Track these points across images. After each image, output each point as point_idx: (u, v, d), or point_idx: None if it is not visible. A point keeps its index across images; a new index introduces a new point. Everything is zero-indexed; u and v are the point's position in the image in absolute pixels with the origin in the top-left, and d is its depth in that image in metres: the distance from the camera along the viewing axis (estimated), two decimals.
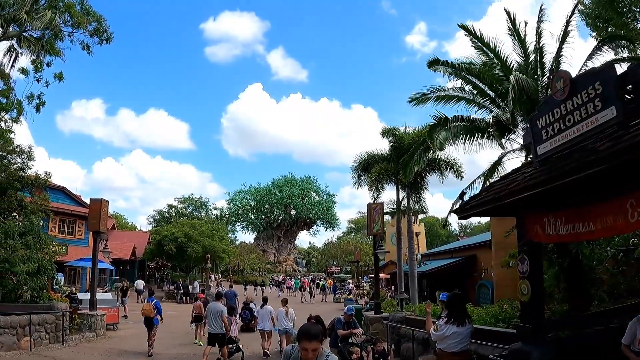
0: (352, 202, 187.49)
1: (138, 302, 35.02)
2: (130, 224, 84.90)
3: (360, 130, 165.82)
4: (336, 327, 11.59)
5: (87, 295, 20.79)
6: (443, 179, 27.19)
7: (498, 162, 16.61)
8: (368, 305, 27.12)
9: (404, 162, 19.87)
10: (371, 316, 19.82)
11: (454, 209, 9.45)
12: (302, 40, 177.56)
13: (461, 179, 26.37)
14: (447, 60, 15.34)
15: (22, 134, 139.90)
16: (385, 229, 28.57)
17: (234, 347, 14.32)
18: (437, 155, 26.05)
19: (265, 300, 16.97)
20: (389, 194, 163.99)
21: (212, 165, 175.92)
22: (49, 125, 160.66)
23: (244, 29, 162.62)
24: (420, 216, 54.56)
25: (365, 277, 50.16)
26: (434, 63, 15.60)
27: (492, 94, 15.16)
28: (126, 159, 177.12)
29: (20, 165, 18.99)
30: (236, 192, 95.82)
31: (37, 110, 19.41)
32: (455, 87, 16.30)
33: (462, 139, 15.50)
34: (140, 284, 37.68)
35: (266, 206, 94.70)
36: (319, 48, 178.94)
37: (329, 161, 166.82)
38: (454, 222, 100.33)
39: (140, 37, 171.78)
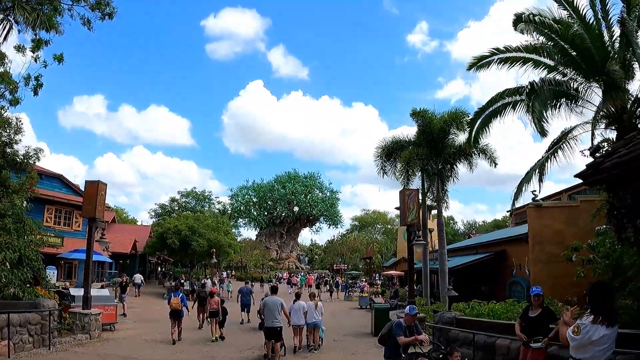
0: (353, 200, 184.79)
1: (136, 297, 33.79)
2: (131, 218, 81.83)
3: (361, 129, 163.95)
4: (395, 333, 8.70)
5: (81, 291, 18.16)
6: (472, 167, 24.33)
7: (566, 135, 13.78)
8: (389, 305, 24.38)
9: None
10: None
11: (582, 171, 6.73)
12: (303, 38, 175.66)
13: (495, 166, 23.57)
14: (531, 15, 12.48)
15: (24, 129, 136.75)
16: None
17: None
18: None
19: (298, 295, 15.84)
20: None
21: (213, 162, 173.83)
22: (51, 121, 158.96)
23: (245, 26, 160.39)
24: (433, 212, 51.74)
25: (378, 274, 47.17)
26: (519, 20, 12.80)
27: (574, 53, 12.31)
28: (127, 155, 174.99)
29: (5, 140, 16.13)
30: (239, 188, 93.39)
31: (35, 93, 16.70)
32: (520, 46, 13.49)
33: (550, 106, 12.55)
34: (138, 278, 36.12)
35: (269, 202, 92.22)
36: (320, 46, 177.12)
37: (330, 159, 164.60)
38: (459, 220, 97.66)
39: (141, 33, 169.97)
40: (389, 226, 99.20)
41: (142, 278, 38.13)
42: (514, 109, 13.60)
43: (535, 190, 25.28)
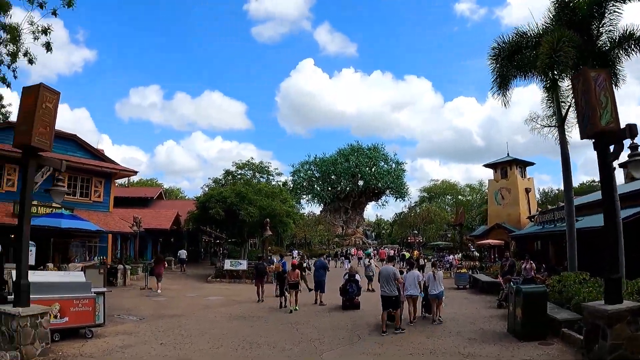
0: (413, 175, 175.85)
1: (182, 272, 31.82)
2: (187, 198, 75.29)
3: (416, 102, 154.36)
4: None
5: (42, 277, 11.20)
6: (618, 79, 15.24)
7: None
8: (544, 287, 15.33)
9: None
10: (607, 310, 8.00)
11: None
12: (348, 13, 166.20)
13: None
14: None
15: (85, 123, 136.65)
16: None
17: None
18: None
19: (412, 265, 15.15)
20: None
21: (271, 143, 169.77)
22: (109, 114, 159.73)
23: (288, 5, 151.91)
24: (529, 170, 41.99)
25: (472, 245, 37.79)
26: None
27: None
28: (186, 142, 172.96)
29: None
30: (300, 164, 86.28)
31: (48, 48, 13.51)
32: None
33: None
34: (182, 253, 34.40)
35: (332, 177, 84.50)
36: (365, 20, 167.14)
37: (386, 135, 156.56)
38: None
39: (186, 22, 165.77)
40: (460, 197, 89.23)
41: (186, 253, 35.26)
42: None
43: None
